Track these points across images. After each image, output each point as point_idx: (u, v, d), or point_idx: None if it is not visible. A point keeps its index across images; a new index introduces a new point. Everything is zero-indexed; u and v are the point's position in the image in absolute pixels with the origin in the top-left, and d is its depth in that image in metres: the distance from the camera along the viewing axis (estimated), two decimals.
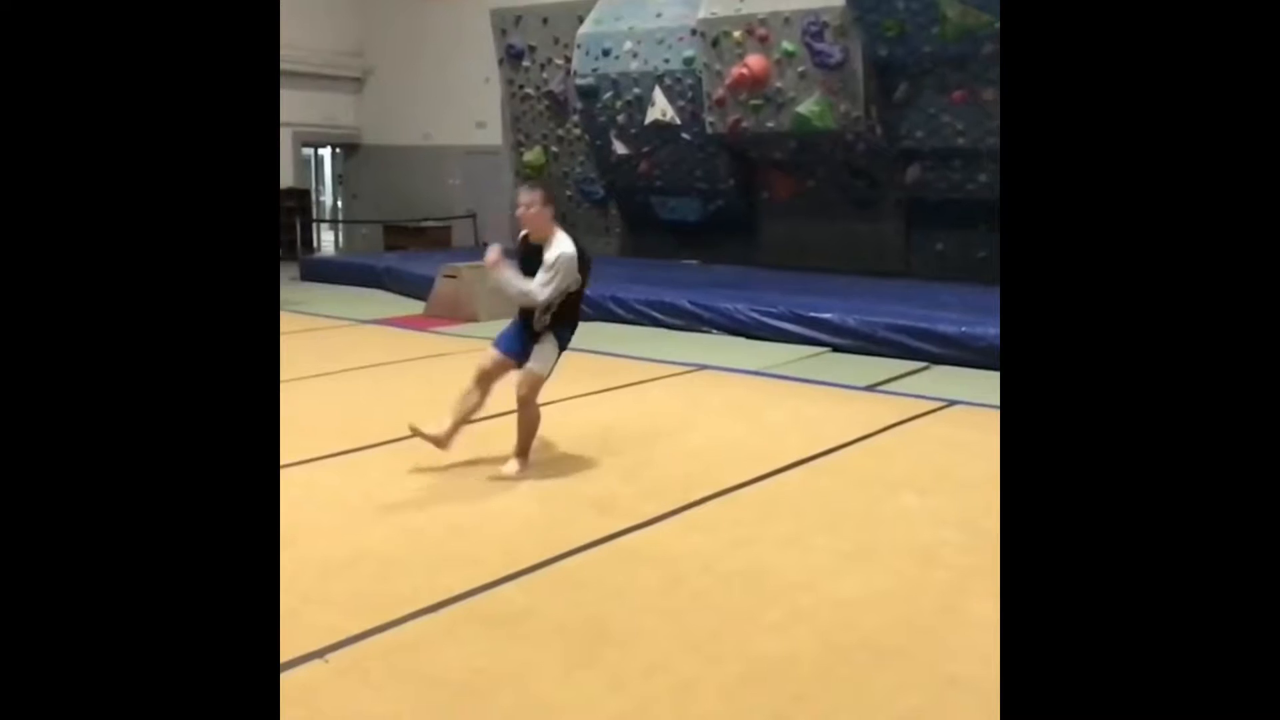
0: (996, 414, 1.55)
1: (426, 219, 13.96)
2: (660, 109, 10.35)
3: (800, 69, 9.21)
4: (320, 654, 2.54)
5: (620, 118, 10.66)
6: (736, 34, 9.47)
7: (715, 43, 9.63)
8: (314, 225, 15.70)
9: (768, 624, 2.78)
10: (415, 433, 4.07)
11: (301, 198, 14.97)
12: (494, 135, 13.11)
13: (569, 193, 11.76)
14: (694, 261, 10.82)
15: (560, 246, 3.98)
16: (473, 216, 13.78)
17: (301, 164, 15.48)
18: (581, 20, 10.93)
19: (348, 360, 6.67)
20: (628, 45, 10.44)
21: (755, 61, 9.37)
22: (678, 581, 3.07)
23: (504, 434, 4.77)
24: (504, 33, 11.80)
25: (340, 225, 16.47)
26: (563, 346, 4.21)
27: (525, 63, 11.70)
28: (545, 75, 11.56)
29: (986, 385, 5.51)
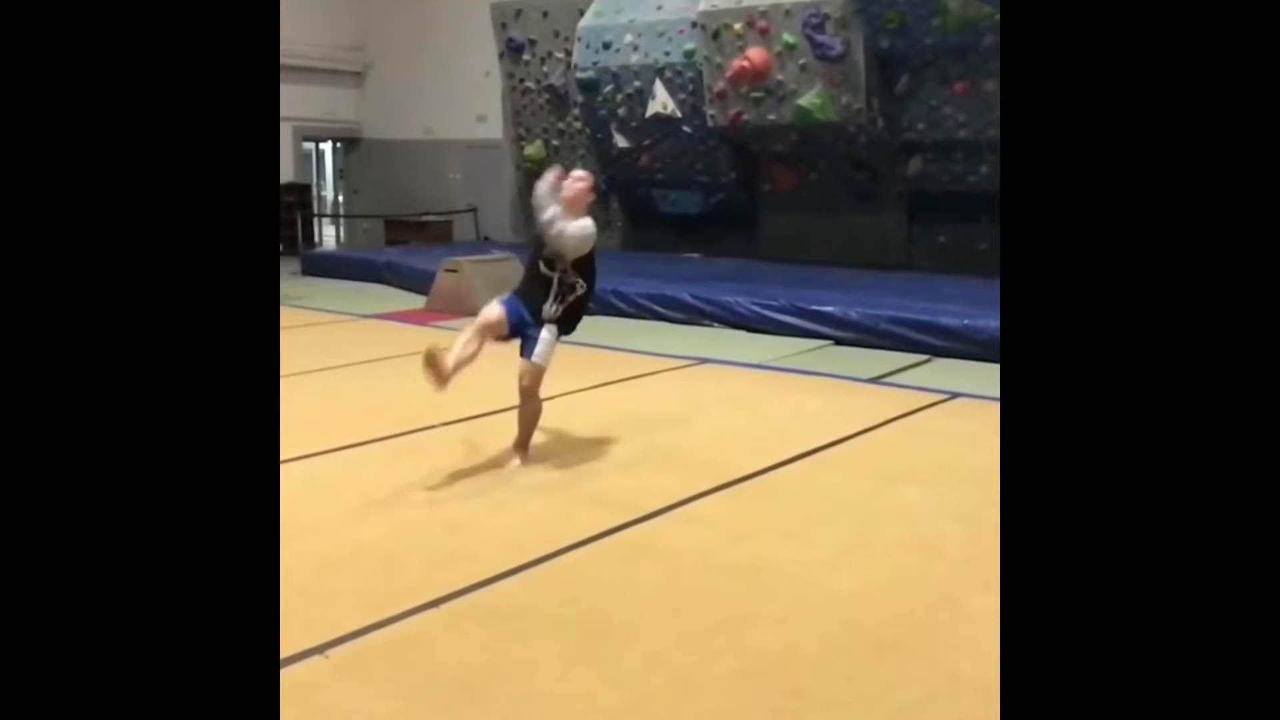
0: (999, 406, 1.54)
1: (427, 213, 13.94)
2: (661, 102, 10.33)
3: (801, 61, 9.19)
4: (320, 650, 2.53)
5: (621, 111, 10.63)
6: (737, 26, 9.44)
7: (716, 35, 9.60)
8: (315, 220, 15.69)
9: (767, 618, 2.77)
10: (431, 358, 3.92)
11: (302, 193, 14.96)
12: (494, 129, 13.09)
13: None
14: (695, 255, 10.80)
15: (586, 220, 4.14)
16: (474, 211, 13.77)
17: (302, 159, 15.47)
18: (582, 13, 10.90)
19: (349, 355, 6.66)
20: (628, 38, 10.41)
21: (756, 54, 9.35)
22: (677, 576, 3.06)
23: (502, 429, 4.77)
24: (504, 26, 11.77)
25: (341, 220, 16.46)
26: (561, 334, 4.23)
27: (526, 56, 11.68)
28: (546, 69, 11.53)
29: (988, 378, 5.50)
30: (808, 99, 9.22)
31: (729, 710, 2.31)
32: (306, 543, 3.25)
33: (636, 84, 10.41)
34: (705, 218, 10.92)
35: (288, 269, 11.79)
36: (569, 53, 11.06)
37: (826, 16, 8.94)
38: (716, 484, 3.91)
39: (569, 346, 6.83)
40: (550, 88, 11.53)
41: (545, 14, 11.42)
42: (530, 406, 4.19)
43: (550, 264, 4.16)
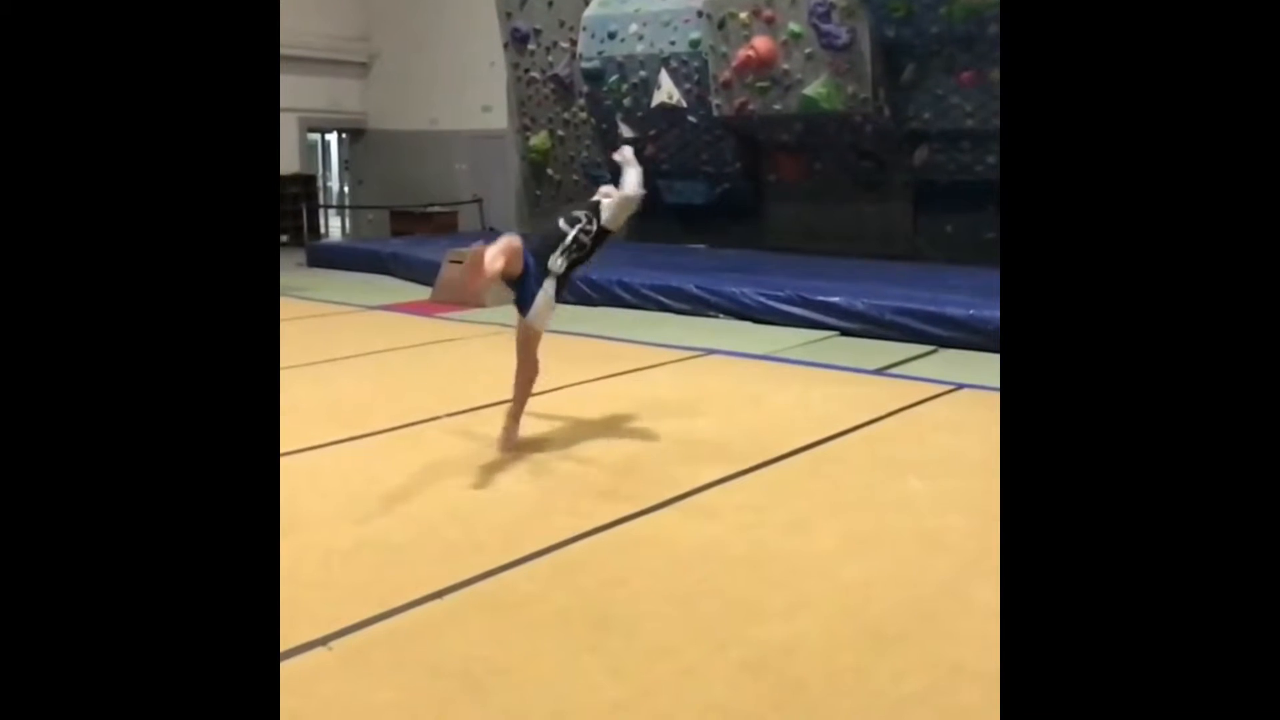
0: None
1: (433, 204, 13.94)
2: (666, 92, 10.29)
3: (807, 51, 9.15)
4: (323, 642, 2.54)
5: (626, 101, 10.61)
6: (743, 16, 9.40)
7: (721, 25, 9.56)
8: (320, 211, 15.70)
9: (771, 610, 2.77)
10: (477, 257, 3.93)
11: (308, 183, 14.97)
12: (499, 119, 13.08)
13: (575, 177, 11.72)
14: (700, 245, 10.78)
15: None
16: (479, 201, 13.77)
17: (307, 150, 15.48)
18: (587, 3, 10.86)
19: (353, 347, 6.66)
20: (633, 28, 10.37)
21: (762, 43, 9.31)
22: (682, 567, 3.06)
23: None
24: (509, 16, 11.74)
25: (347, 211, 16.47)
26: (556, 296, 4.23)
27: (530, 46, 11.65)
28: (551, 59, 11.50)
29: (994, 369, 5.45)
30: (814, 88, 9.18)
31: (733, 701, 2.30)
32: (310, 534, 3.25)
33: (642, 74, 10.38)
34: (710, 208, 10.89)
35: (293, 260, 11.81)
36: (574, 42, 11.02)
37: (832, 5, 8.89)
38: (721, 475, 3.91)
39: (573, 337, 6.85)
40: (555, 78, 11.50)
41: (550, 3, 11.38)
42: (525, 370, 4.16)
43: (572, 222, 4.24)
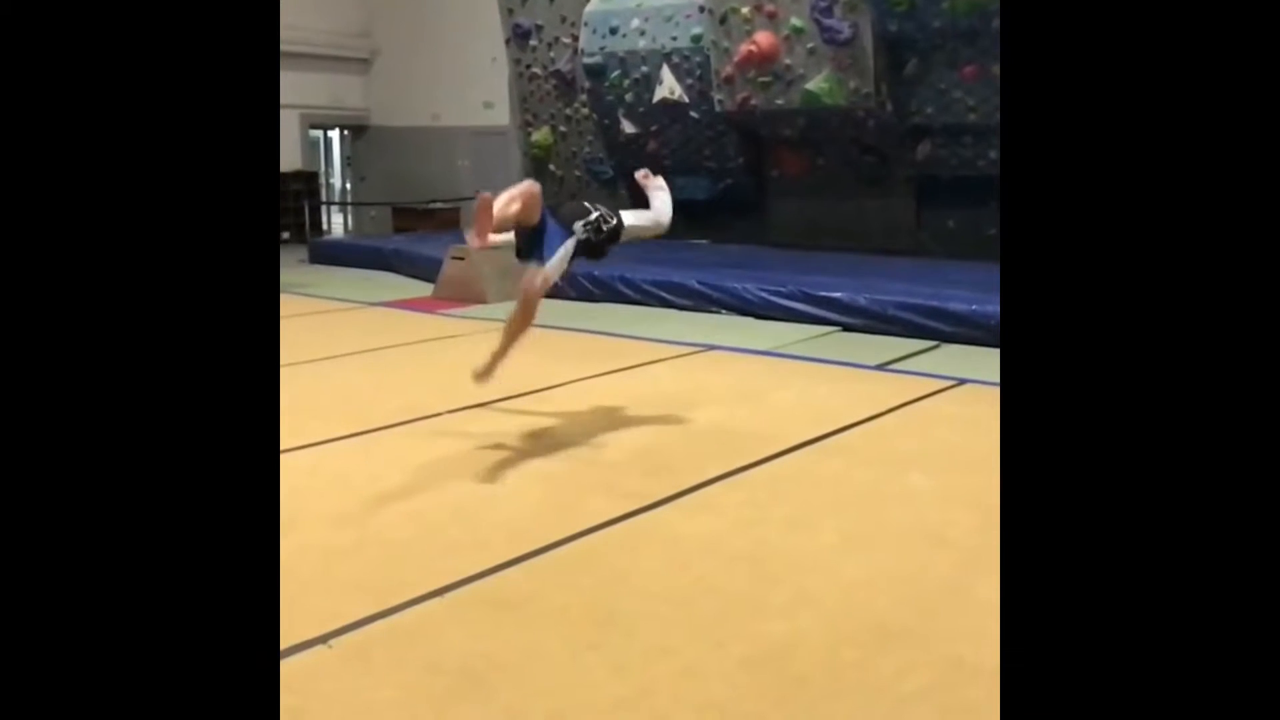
0: None
1: (435, 200, 13.93)
2: (668, 87, 10.27)
3: (809, 45, 9.12)
4: (323, 639, 2.53)
5: (628, 96, 10.59)
6: (745, 10, 9.37)
7: (723, 20, 9.54)
8: (323, 208, 15.70)
9: (773, 607, 2.76)
10: (486, 203, 3.89)
11: (310, 180, 14.96)
12: (502, 116, 13.07)
13: (577, 173, 11.70)
14: (703, 241, 10.76)
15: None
16: None
17: (309, 146, 15.47)
18: None
19: (355, 343, 6.66)
20: (635, 23, 10.35)
21: (764, 38, 9.28)
22: (683, 564, 3.05)
23: (510, 416, 4.77)
24: (510, 12, 11.71)
25: (349, 207, 16.46)
26: (572, 253, 4.22)
27: (532, 42, 11.62)
28: (552, 54, 11.48)
29: (996, 364, 5.45)
30: (816, 83, 9.16)
31: (734, 699, 2.30)
32: (311, 532, 3.25)
33: (643, 69, 10.36)
34: (713, 204, 10.87)
35: (295, 257, 11.81)
36: (576, 38, 11.00)
37: (834, 0, 8.87)
38: (723, 471, 3.90)
39: (575, 333, 6.85)
40: (557, 73, 11.47)
41: None
42: (524, 318, 4.11)
43: (595, 208, 4.41)
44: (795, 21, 9.11)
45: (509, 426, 4.57)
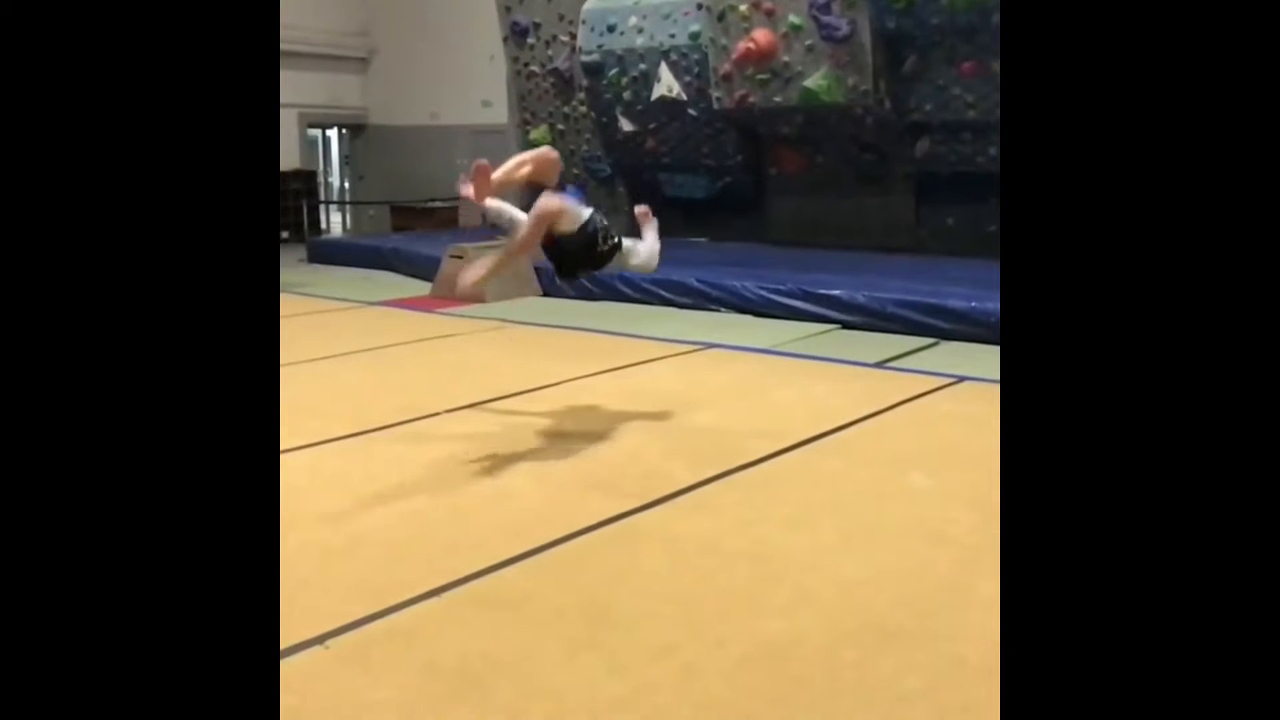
0: None
1: (433, 199, 13.91)
2: (666, 85, 10.25)
3: (807, 42, 9.10)
4: (320, 640, 2.52)
5: (626, 94, 10.57)
6: (742, 8, 9.35)
7: (721, 17, 9.52)
8: (321, 207, 15.68)
9: (772, 606, 2.75)
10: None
11: (308, 179, 14.95)
12: (500, 114, 13.06)
13: (575, 171, 11.67)
14: (702, 239, 10.75)
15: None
16: None
17: (308, 146, 15.46)
18: None
19: (353, 343, 6.65)
20: (633, 20, 10.33)
21: (762, 35, 9.26)
22: (682, 563, 3.04)
23: (509, 416, 4.76)
24: (508, 10, 11.69)
25: (347, 206, 16.45)
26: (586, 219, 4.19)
27: (530, 40, 11.60)
28: (550, 52, 11.46)
29: (996, 361, 5.43)
30: (814, 80, 9.14)
31: (733, 698, 2.29)
32: (309, 532, 3.24)
33: (641, 67, 10.34)
34: (711, 202, 10.86)
35: (294, 256, 11.80)
36: (574, 36, 10.98)
37: None
38: (722, 470, 3.89)
39: (574, 331, 6.84)
40: (555, 71, 11.45)
41: None
42: (526, 238, 4.04)
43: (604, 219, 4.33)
44: (793, 19, 9.09)
45: (507, 425, 4.56)
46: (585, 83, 10.95)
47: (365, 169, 15.84)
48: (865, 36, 8.81)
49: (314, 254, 11.94)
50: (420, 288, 9.16)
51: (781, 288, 7.39)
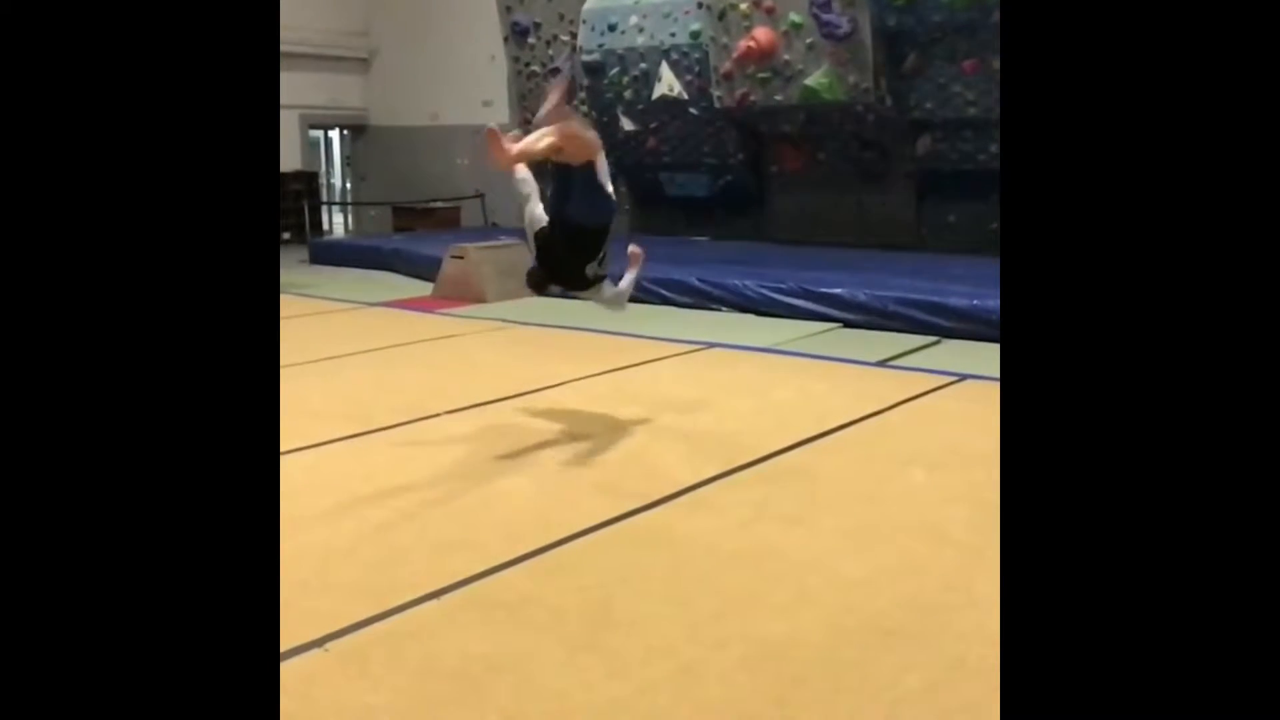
0: None
1: (435, 200, 13.91)
2: (667, 84, 10.24)
3: (808, 41, 9.10)
4: (320, 643, 2.52)
5: (627, 93, 10.56)
6: (743, 6, 9.35)
7: (722, 16, 9.51)
8: (322, 208, 15.68)
9: (772, 606, 2.74)
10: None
11: (310, 180, 14.94)
12: (501, 114, 13.03)
13: None
14: (703, 238, 10.74)
15: None
16: (481, 196, 13.73)
17: (309, 147, 15.45)
18: None
19: (355, 344, 6.64)
20: (633, 20, 10.33)
21: (762, 34, 9.26)
22: (682, 564, 3.03)
23: (510, 417, 4.75)
24: (509, 10, 11.69)
25: (349, 207, 16.45)
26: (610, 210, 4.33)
27: (531, 40, 11.60)
28: (551, 52, 11.46)
29: (997, 359, 5.44)
30: (815, 79, 9.13)
31: (733, 699, 2.28)
32: (308, 533, 3.23)
33: (642, 66, 10.33)
34: (713, 200, 10.85)
35: (295, 257, 11.79)
36: (574, 35, 10.98)
37: None
38: (723, 470, 3.88)
39: (575, 331, 6.83)
40: (555, 71, 11.45)
41: None
42: (551, 131, 4.10)
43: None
44: (794, 17, 9.08)
45: (507, 426, 4.56)
46: (586, 82, 10.94)
47: (366, 170, 15.84)
48: (866, 34, 8.80)
49: (315, 255, 11.93)
50: (422, 288, 9.15)
51: (783, 286, 7.38)
